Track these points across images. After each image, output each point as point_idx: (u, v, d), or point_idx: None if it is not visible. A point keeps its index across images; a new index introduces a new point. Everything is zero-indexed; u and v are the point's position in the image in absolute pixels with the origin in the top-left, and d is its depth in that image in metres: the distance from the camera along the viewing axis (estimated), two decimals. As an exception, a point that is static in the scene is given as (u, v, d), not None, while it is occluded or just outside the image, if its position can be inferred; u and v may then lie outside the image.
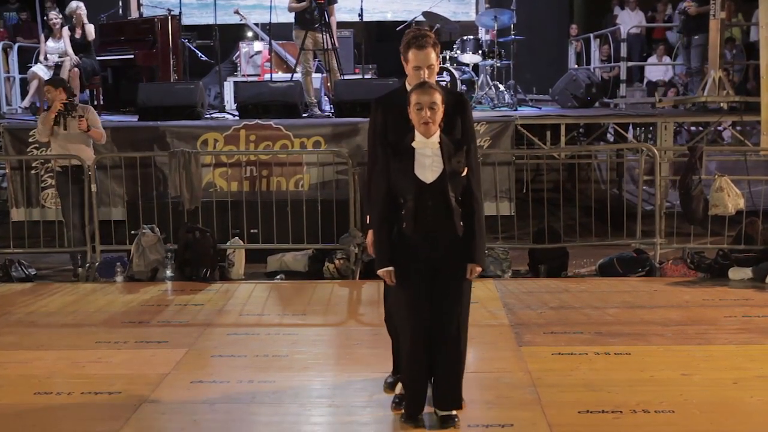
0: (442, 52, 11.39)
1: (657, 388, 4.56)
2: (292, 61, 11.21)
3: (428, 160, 3.95)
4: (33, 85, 10.35)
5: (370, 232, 4.27)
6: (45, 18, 11.01)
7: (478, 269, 4.09)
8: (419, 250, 3.98)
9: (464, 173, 4.01)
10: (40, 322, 6.16)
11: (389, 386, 4.55)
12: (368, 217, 4.36)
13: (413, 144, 3.97)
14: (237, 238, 7.80)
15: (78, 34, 10.37)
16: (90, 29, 10.51)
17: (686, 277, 7.18)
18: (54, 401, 4.55)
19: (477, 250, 4.05)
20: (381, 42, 14.61)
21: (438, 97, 3.93)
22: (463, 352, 4.10)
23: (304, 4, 9.95)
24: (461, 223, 3.98)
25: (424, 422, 4.10)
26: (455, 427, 4.07)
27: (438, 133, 3.99)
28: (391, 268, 4.01)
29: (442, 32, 12.71)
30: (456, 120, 4.17)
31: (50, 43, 10.39)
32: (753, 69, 11.67)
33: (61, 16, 10.56)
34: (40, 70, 10.29)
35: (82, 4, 10.50)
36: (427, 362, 4.06)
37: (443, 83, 10.99)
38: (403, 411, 4.17)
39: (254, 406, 4.43)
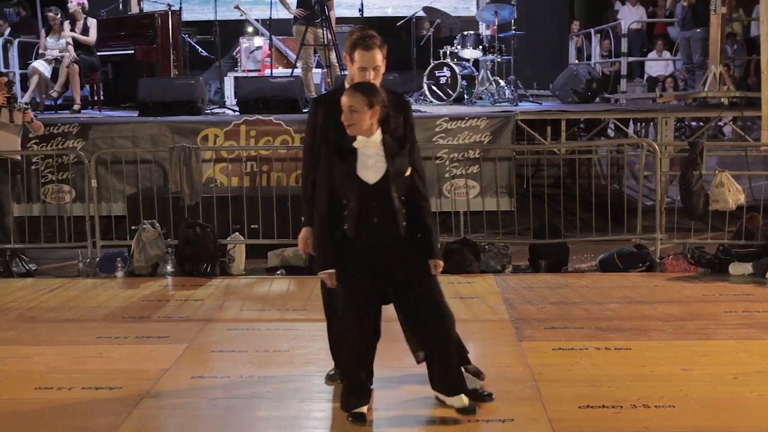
0: (442, 48, 11.47)
1: (657, 383, 4.56)
2: (292, 56, 11.21)
3: (371, 161, 3.92)
4: (33, 81, 10.34)
5: (303, 230, 4.26)
6: (44, 14, 10.99)
7: (441, 263, 4.09)
8: (364, 252, 3.95)
9: (408, 173, 3.99)
10: (40, 317, 6.16)
11: (330, 378, 4.59)
12: (302, 217, 4.36)
13: (355, 144, 3.94)
14: (237, 233, 7.80)
15: (78, 30, 10.35)
16: (92, 26, 10.46)
17: (687, 272, 7.18)
18: (54, 396, 4.55)
19: (434, 245, 4.07)
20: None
21: (358, 101, 3.88)
22: (451, 336, 4.12)
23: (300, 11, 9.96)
24: (405, 222, 3.96)
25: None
26: (475, 413, 4.12)
27: (379, 132, 3.95)
28: (332, 271, 3.98)
29: (442, 27, 12.73)
30: (399, 120, 4.14)
31: (50, 39, 10.38)
32: (754, 64, 11.65)
33: (60, 12, 10.54)
34: (41, 66, 10.28)
35: (84, 1, 10.45)
36: (370, 362, 4.10)
37: (442, 79, 11.02)
38: (349, 410, 4.13)
39: (255, 401, 4.43)
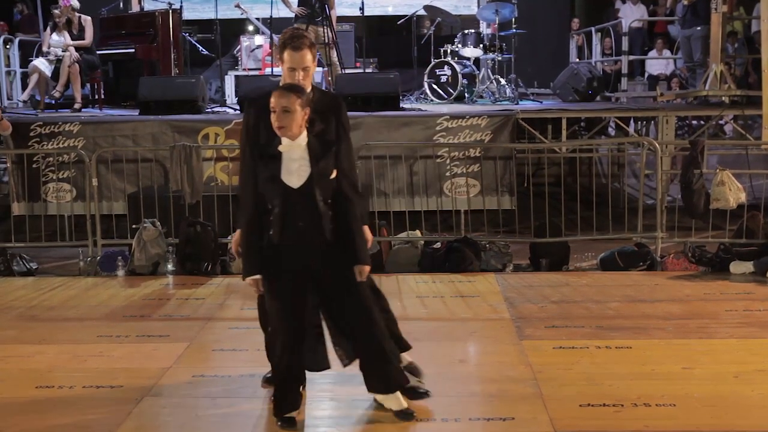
0: (442, 46, 11.47)
1: (658, 382, 4.56)
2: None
3: (295, 164, 3.84)
4: (33, 79, 10.33)
5: (237, 232, 4.22)
6: (51, 11, 10.97)
7: (366, 269, 4.00)
8: (290, 257, 3.89)
9: (333, 176, 3.92)
10: (41, 316, 6.17)
11: (266, 381, 4.53)
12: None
13: (280, 148, 3.85)
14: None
15: (75, 30, 10.33)
16: (87, 25, 10.44)
17: (687, 271, 7.18)
18: (55, 395, 4.55)
19: (361, 250, 3.97)
20: (382, 36, 14.62)
21: (293, 101, 3.80)
22: (382, 338, 4.05)
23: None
24: (332, 226, 3.90)
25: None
26: (413, 419, 4.07)
27: (305, 135, 3.88)
28: (258, 276, 3.93)
29: (443, 26, 12.73)
30: (330, 122, 4.08)
31: (54, 36, 10.34)
32: (754, 63, 11.63)
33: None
34: (41, 64, 10.27)
35: (70, 1, 10.38)
36: (300, 366, 4.08)
37: (443, 77, 11.01)
38: (279, 414, 4.09)
39: (255, 400, 4.43)
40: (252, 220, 3.93)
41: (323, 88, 4.21)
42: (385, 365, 4.07)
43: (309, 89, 4.07)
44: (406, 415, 4.09)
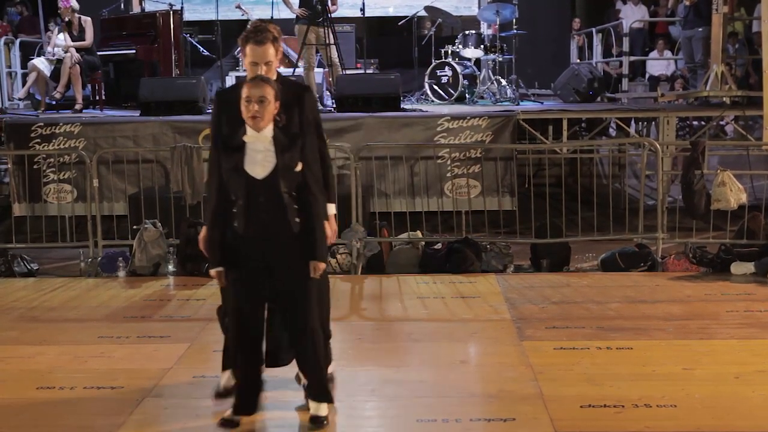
0: (443, 47, 11.48)
1: (659, 383, 4.56)
2: (293, 56, 11.21)
3: (260, 155, 3.81)
4: (31, 77, 10.30)
5: (204, 229, 4.18)
6: (58, 12, 10.94)
7: (321, 266, 3.94)
8: (252, 249, 3.84)
9: (299, 168, 3.87)
10: (42, 317, 6.17)
11: (218, 395, 4.41)
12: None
13: (245, 138, 3.82)
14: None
15: (75, 31, 10.32)
16: (88, 26, 10.42)
17: (688, 271, 7.17)
18: (56, 396, 4.55)
19: (317, 246, 3.91)
20: (383, 37, 14.62)
21: (269, 92, 3.79)
22: (319, 347, 3.99)
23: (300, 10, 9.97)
24: (297, 219, 3.85)
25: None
26: (322, 428, 4.01)
27: (271, 127, 3.85)
28: (221, 269, 3.89)
29: (444, 27, 12.73)
30: (293, 114, 4.05)
31: (60, 36, 10.30)
32: (755, 63, 11.63)
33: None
34: (41, 63, 10.26)
35: (70, 2, 10.36)
36: (257, 362, 4.00)
37: (444, 78, 11.01)
38: (231, 410, 4.05)
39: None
40: (216, 211, 3.88)
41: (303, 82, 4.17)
42: (317, 375, 4.03)
43: None
44: (317, 422, 4.01)
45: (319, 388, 4.05)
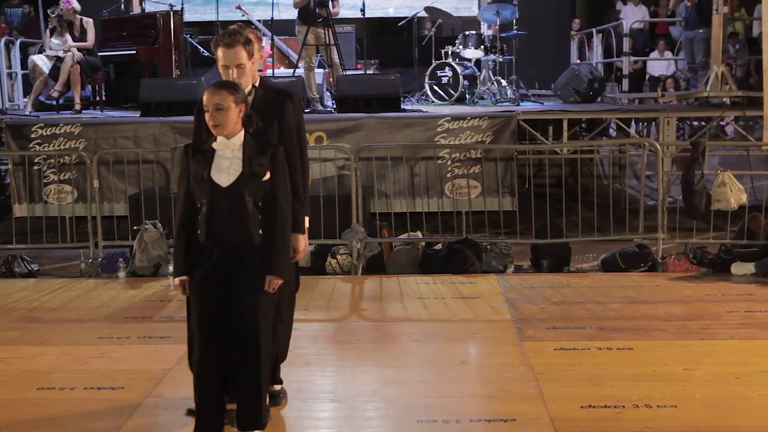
0: (443, 47, 11.48)
1: (659, 383, 4.55)
2: (294, 56, 11.22)
3: (226, 162, 3.67)
4: (36, 81, 10.32)
5: None
6: (49, 14, 10.97)
7: (277, 281, 3.73)
8: (212, 259, 3.69)
9: (266, 177, 3.71)
10: (42, 317, 6.17)
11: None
12: None
13: (214, 145, 3.69)
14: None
15: (77, 32, 10.32)
16: (89, 27, 10.43)
17: (689, 272, 7.16)
18: (57, 396, 4.56)
19: (275, 260, 3.71)
20: (383, 37, 14.63)
21: (227, 98, 3.63)
22: (260, 369, 3.75)
23: None
24: (261, 230, 3.69)
25: None
26: None
27: (242, 133, 3.72)
28: (185, 278, 3.73)
29: (444, 27, 12.74)
30: (272, 121, 3.94)
31: (54, 39, 10.34)
32: (755, 63, 11.64)
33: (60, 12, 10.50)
34: (40, 60, 10.24)
35: (71, 3, 10.35)
36: (220, 377, 3.75)
37: (444, 78, 11.01)
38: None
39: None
40: (182, 219, 3.77)
41: (282, 87, 4.09)
42: (253, 400, 3.79)
43: (248, 86, 3.95)
44: None
45: (251, 414, 3.79)
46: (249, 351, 3.72)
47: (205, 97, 3.70)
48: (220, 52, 3.98)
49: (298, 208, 3.97)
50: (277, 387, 4.31)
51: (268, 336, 3.81)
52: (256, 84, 4.08)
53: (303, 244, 4.07)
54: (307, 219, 4.14)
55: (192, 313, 3.82)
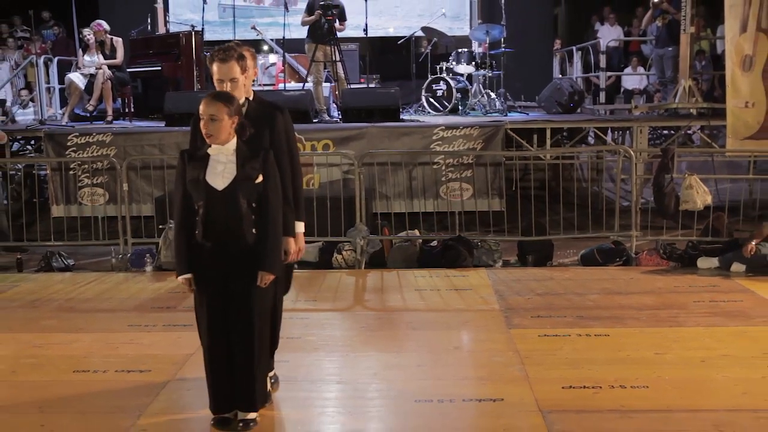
0: (438, 63, 11.47)
1: (633, 366, 4.56)
2: (303, 71, 11.22)
3: (221, 167, 3.61)
4: (72, 96, 10.36)
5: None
6: (80, 35, 10.99)
7: (269, 277, 3.66)
8: (211, 257, 3.63)
9: (259, 180, 3.64)
10: (78, 307, 6.18)
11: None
12: None
13: (209, 150, 3.64)
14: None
15: (108, 50, 10.33)
16: (119, 46, 10.43)
17: (659, 266, 7.17)
18: (91, 378, 4.57)
19: (267, 257, 3.64)
20: (384, 54, 14.63)
21: (221, 109, 3.58)
22: (256, 358, 3.71)
23: (314, 17, 9.96)
24: (254, 231, 3.63)
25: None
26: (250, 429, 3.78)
27: (235, 140, 3.66)
28: (189, 275, 3.67)
29: (439, 45, 12.74)
30: (263, 129, 3.85)
31: (86, 57, 10.37)
32: (719, 78, 11.64)
33: (92, 33, 10.50)
34: (76, 78, 10.28)
35: (102, 25, 10.34)
36: (228, 365, 3.73)
37: (439, 91, 11.01)
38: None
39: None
40: (182, 219, 3.67)
41: (272, 100, 4.02)
42: (249, 386, 3.74)
43: (241, 99, 3.87)
44: (246, 425, 3.78)
45: (247, 397, 3.76)
46: (243, 340, 3.70)
47: (201, 106, 3.64)
48: (215, 67, 3.89)
49: (288, 212, 3.88)
50: (270, 373, 4.24)
51: (263, 327, 3.77)
52: (250, 98, 4.00)
53: (293, 246, 3.95)
54: (302, 224, 4.03)
55: (198, 307, 3.80)
